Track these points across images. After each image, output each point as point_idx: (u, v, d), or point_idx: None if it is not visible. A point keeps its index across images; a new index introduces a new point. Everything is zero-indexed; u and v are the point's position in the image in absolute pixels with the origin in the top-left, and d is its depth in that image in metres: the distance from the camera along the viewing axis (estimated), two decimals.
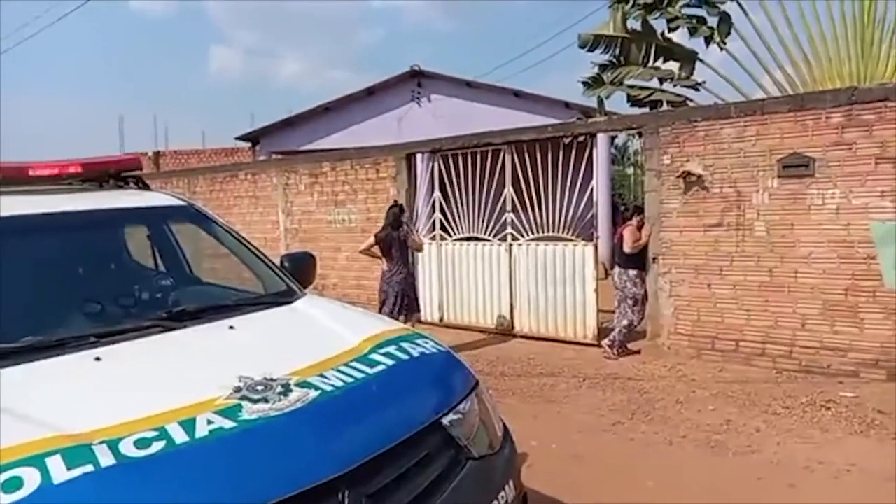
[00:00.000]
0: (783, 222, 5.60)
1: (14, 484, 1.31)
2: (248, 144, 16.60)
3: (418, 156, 8.47)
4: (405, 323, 5.63)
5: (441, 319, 8.00)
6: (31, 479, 1.32)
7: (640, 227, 6.38)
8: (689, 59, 8.79)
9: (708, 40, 8.72)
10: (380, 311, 6.22)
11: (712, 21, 8.71)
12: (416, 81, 14.82)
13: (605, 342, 6.47)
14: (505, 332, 7.51)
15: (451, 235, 8.00)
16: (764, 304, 5.71)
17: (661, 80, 8.96)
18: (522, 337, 7.35)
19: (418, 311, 6.80)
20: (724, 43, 8.65)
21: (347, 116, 14.93)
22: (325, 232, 9.24)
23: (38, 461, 1.37)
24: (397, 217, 6.48)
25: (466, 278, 7.88)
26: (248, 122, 36.32)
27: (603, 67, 9.18)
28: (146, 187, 3.13)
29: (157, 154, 18.44)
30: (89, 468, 1.37)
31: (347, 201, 8.97)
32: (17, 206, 2.46)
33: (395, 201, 7.30)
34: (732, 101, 7.15)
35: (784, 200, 5.59)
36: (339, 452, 1.60)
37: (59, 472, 1.35)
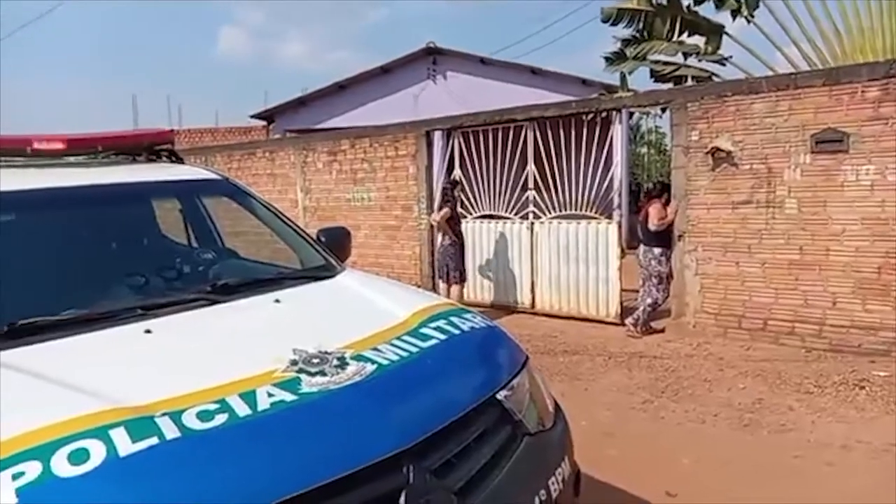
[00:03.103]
0: (815, 199, 5.49)
1: (80, 456, 1.28)
2: (263, 123, 16.53)
3: (436, 133, 8.37)
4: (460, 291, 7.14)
5: (460, 297, 7.95)
6: (97, 451, 1.29)
7: (665, 205, 6.29)
8: (715, 32, 8.60)
9: (735, 13, 8.52)
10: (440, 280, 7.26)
11: None
12: (432, 59, 14.65)
13: (629, 320, 6.42)
14: (525, 309, 7.47)
15: (471, 213, 7.93)
16: (794, 283, 5.62)
17: (686, 55, 8.79)
18: (544, 315, 7.31)
19: (465, 280, 7.42)
20: (752, 16, 8.45)
21: (362, 95, 14.80)
22: (344, 210, 9.19)
23: (101, 433, 1.34)
24: (451, 192, 7.09)
25: (488, 256, 7.83)
26: (259, 101, 36.21)
27: (626, 42, 9.01)
28: (180, 161, 3.09)
29: (172, 132, 18.38)
30: (154, 440, 1.34)
31: (366, 179, 8.91)
32: (53, 179, 2.43)
33: (453, 178, 7.68)
34: (759, 75, 6.98)
35: (816, 177, 5.47)
36: (403, 426, 1.57)
37: (125, 444, 1.32)
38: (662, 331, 6.37)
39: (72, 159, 2.73)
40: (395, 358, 1.80)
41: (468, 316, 2.23)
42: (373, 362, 1.74)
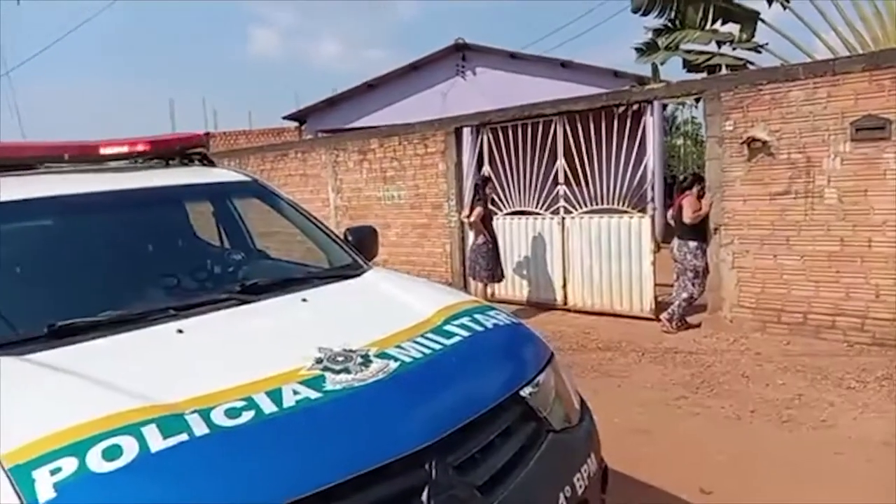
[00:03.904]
0: (856, 188, 5.31)
1: (114, 452, 1.33)
2: (295, 124, 16.76)
3: (465, 130, 8.37)
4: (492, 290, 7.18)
5: (492, 295, 7.93)
6: (130, 447, 1.34)
7: (700, 197, 6.17)
8: (750, 19, 8.37)
9: None
10: (473, 278, 7.25)
11: None
12: (461, 55, 14.61)
13: (663, 316, 6.32)
14: (558, 306, 7.42)
15: (501, 210, 7.91)
16: (834, 275, 5.45)
17: (720, 44, 8.58)
18: (576, 311, 7.25)
19: (503, 277, 7.30)
20: (788, 1, 8.20)
21: (392, 93, 14.87)
22: (374, 209, 9.27)
23: (134, 430, 1.38)
24: (483, 189, 7.01)
25: (518, 252, 7.80)
26: (291, 101, 36.69)
27: (658, 32, 8.85)
28: (211, 164, 3.16)
29: (207, 135, 18.80)
30: (184, 437, 1.39)
31: (396, 177, 8.96)
32: (91, 184, 2.52)
33: (483, 175, 7.59)
34: (797, 62, 6.78)
35: (857, 165, 5.30)
36: (426, 422, 1.59)
37: (156, 440, 1.37)
38: (698, 326, 6.25)
39: (109, 164, 2.82)
40: (419, 355, 1.82)
41: (492, 313, 2.23)
42: (396, 360, 1.76)
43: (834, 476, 3.24)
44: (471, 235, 7.52)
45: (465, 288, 6.82)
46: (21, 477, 1.25)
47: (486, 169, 7.90)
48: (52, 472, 1.27)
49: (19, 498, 1.22)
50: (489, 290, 7.23)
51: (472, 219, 6.97)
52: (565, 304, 7.40)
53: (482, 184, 7.18)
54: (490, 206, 7.30)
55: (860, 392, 4.33)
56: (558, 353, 5.89)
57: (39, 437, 1.34)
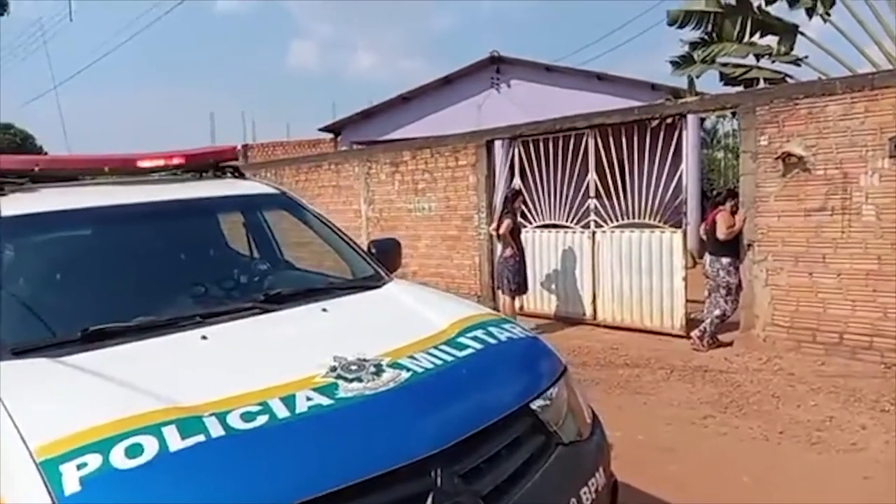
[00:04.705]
0: (895, 206, 5.17)
1: (136, 450, 1.41)
2: (331, 135, 17.07)
3: (497, 143, 8.42)
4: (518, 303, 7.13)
5: (521, 308, 7.93)
6: (150, 446, 1.43)
7: (733, 213, 6.08)
8: (788, 32, 8.24)
9: (810, 12, 8.13)
10: (501, 291, 7.26)
11: None
12: (495, 67, 14.69)
13: (694, 333, 6.22)
14: (587, 321, 7.37)
15: (531, 223, 7.91)
16: (872, 294, 5.30)
17: (758, 57, 8.46)
18: (605, 326, 7.19)
19: (527, 290, 7.25)
20: (829, 14, 8.04)
21: (426, 105, 15.03)
22: (405, 221, 9.37)
23: (155, 430, 1.47)
24: (512, 202, 7.02)
25: (548, 266, 7.79)
26: (329, 113, 37.35)
27: (694, 45, 8.76)
28: (242, 176, 3.28)
29: (246, 147, 19.27)
30: (201, 438, 1.47)
31: (427, 189, 9.05)
32: (128, 195, 2.65)
33: (513, 188, 7.62)
34: (838, 76, 6.65)
35: None
36: (432, 431, 1.63)
37: (175, 440, 1.45)
38: (730, 344, 6.14)
39: (146, 177, 2.96)
40: (430, 366, 1.87)
41: (507, 326, 2.27)
42: (408, 370, 1.82)
43: (861, 500, 3.16)
44: (499, 248, 7.55)
45: (494, 300, 6.81)
46: (50, 470, 1.35)
47: (517, 182, 7.93)
48: (79, 467, 1.36)
49: (47, 490, 1.31)
50: (518, 303, 7.23)
51: (500, 231, 6.99)
52: (594, 318, 7.35)
53: (512, 197, 7.19)
54: (520, 220, 7.30)
55: (894, 415, 4.19)
56: (584, 369, 5.88)
57: (68, 434, 1.43)
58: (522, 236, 7.33)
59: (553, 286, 7.78)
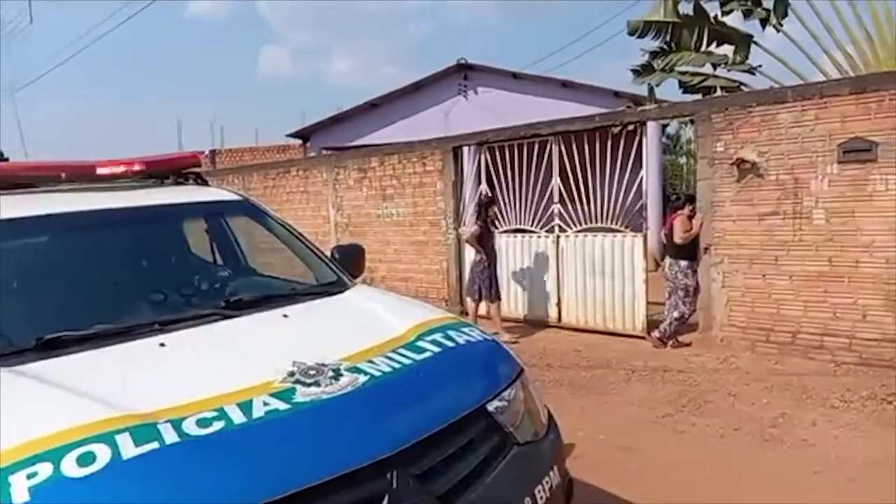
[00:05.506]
0: (843, 209, 5.39)
1: (87, 459, 1.42)
2: (300, 141, 16.97)
3: (465, 149, 8.50)
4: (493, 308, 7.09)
5: (487, 312, 7.99)
6: (103, 454, 1.43)
7: (691, 217, 6.25)
8: (743, 42, 8.53)
9: (764, 22, 8.44)
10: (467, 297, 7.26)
11: (768, 2, 8.41)
12: (463, 74, 14.82)
13: (654, 334, 6.38)
14: (552, 323, 7.48)
15: (497, 228, 7.99)
16: (822, 295, 5.51)
17: (715, 66, 8.73)
18: (570, 329, 7.31)
19: (500, 298, 7.22)
20: (781, 25, 8.35)
21: (395, 111, 15.06)
22: (374, 226, 9.39)
23: (108, 438, 1.47)
24: (486, 208, 7.01)
25: (514, 270, 7.88)
26: (299, 119, 37.06)
27: (653, 54, 9.00)
28: (204, 183, 3.26)
29: (214, 153, 19.04)
30: (155, 445, 1.47)
31: (395, 195, 9.08)
32: (86, 203, 2.62)
33: (486, 194, 7.64)
34: (790, 84, 6.90)
35: (844, 187, 5.38)
36: (388, 434, 1.66)
37: (128, 448, 1.45)
38: (689, 344, 6.31)
39: (106, 183, 2.93)
40: (388, 370, 1.90)
41: (466, 329, 2.32)
42: (365, 374, 1.85)
43: (812, 495, 3.28)
44: (470, 253, 7.60)
45: (461, 304, 6.84)
46: None
47: (484, 188, 8.01)
48: (29, 477, 1.35)
49: None
50: (483, 308, 7.28)
51: (465, 237, 7.04)
52: (559, 321, 7.46)
53: (486, 203, 7.16)
54: (491, 227, 7.25)
55: (844, 412, 4.37)
56: (549, 371, 5.96)
57: (19, 444, 1.43)
58: (492, 242, 7.37)
59: (520, 290, 7.87)
